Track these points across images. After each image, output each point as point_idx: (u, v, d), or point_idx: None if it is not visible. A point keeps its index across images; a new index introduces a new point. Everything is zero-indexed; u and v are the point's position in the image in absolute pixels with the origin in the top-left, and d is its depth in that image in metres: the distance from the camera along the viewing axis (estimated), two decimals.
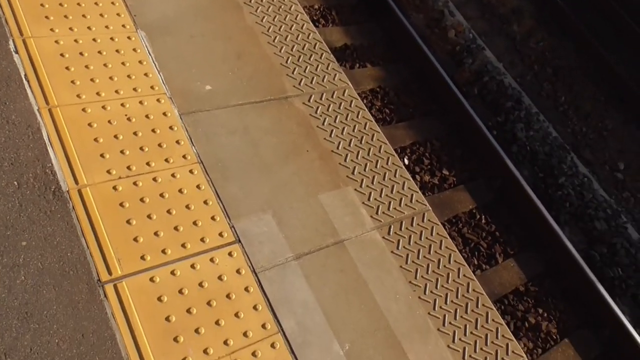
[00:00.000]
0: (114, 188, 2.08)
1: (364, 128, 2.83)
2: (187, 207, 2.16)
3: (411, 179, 2.80)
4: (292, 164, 2.51)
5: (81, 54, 2.35)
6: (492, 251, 3.78)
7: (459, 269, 2.58)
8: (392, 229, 2.55)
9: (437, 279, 2.50)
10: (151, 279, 1.95)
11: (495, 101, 4.68)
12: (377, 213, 2.56)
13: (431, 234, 2.64)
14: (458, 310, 2.44)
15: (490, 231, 3.88)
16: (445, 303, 2.44)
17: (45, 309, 1.78)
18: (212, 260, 2.08)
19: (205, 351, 1.88)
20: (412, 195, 2.72)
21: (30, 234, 1.87)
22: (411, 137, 4.11)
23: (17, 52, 2.22)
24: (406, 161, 4.03)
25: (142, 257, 1.98)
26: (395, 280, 2.40)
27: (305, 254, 2.27)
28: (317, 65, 2.93)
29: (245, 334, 1.97)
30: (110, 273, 1.91)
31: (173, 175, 2.21)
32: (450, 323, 2.38)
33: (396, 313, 2.30)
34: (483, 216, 3.92)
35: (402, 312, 2.31)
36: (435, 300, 2.42)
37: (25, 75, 2.19)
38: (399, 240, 2.53)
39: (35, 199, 1.94)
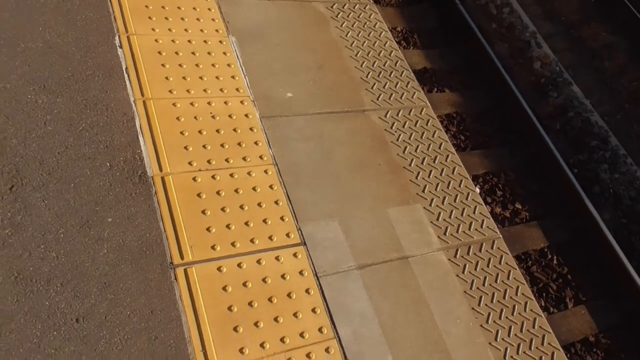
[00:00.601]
0: (194, 179, 2.19)
1: (439, 148, 2.81)
2: (259, 205, 2.23)
3: (483, 204, 2.73)
4: (363, 175, 2.53)
5: (176, 53, 2.53)
6: (562, 295, 3.57)
7: (526, 303, 2.47)
8: (459, 252, 2.49)
9: (502, 310, 2.40)
10: (219, 269, 2.02)
11: (578, 138, 4.48)
12: (444, 234, 2.52)
13: (499, 263, 2.55)
14: (521, 345, 2.33)
15: (561, 273, 3.68)
16: (508, 335, 2.33)
17: (122, 282, 1.89)
18: (277, 258, 2.13)
19: (262, 345, 1.91)
20: (483, 220, 2.66)
21: (115, 212, 2.01)
22: (485, 166, 4.01)
23: (121, 46, 2.43)
24: (477, 190, 3.94)
25: (213, 247, 2.06)
26: (458, 305, 2.33)
27: (367, 265, 2.27)
28: (397, 82, 2.96)
29: (301, 335, 1.99)
30: (182, 257, 2.00)
31: (249, 173, 2.30)
32: (511, 357, 2.28)
33: (455, 337, 2.23)
34: (555, 256, 3.73)
35: (461, 337, 2.24)
36: (497, 331, 2.33)
37: (126, 68, 2.38)
38: (465, 265, 2.46)
39: (123, 181, 2.09)
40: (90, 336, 1.77)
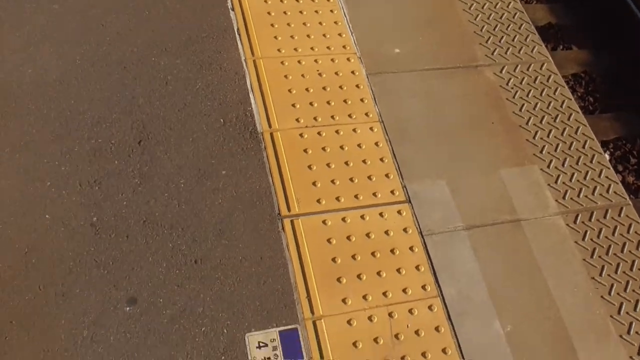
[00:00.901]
0: (301, 135, 2.25)
1: (561, 106, 2.59)
2: (364, 161, 2.24)
3: (611, 167, 2.48)
4: (474, 134, 2.42)
5: (285, 12, 2.58)
6: None
7: None
8: (579, 218, 2.30)
9: (628, 282, 2.19)
10: (323, 222, 2.07)
11: None
12: (563, 198, 2.34)
13: (627, 232, 2.32)
14: None
15: None
16: (635, 310, 2.13)
17: (234, 230, 2.02)
18: (381, 214, 2.13)
19: (364, 297, 1.94)
20: (609, 185, 2.42)
21: (229, 165, 2.14)
22: (616, 131, 3.62)
23: (232, 9, 2.54)
24: (607, 157, 3.58)
25: (318, 201, 2.12)
26: (575, 273, 2.17)
27: (476, 226, 2.19)
28: (515, 36, 2.76)
29: (404, 291, 1.99)
30: (289, 209, 2.08)
31: (354, 130, 2.31)
32: (637, 332, 2.08)
33: (571, 306, 2.08)
34: None
35: (578, 307, 2.09)
36: (621, 304, 2.14)
37: (237, 29, 2.48)
38: (586, 231, 2.27)
39: (236, 136, 2.21)
40: (207, 277, 1.93)
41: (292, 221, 2.06)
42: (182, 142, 2.16)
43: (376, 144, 2.30)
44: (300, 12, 2.61)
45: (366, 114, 2.36)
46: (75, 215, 1.96)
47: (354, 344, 1.84)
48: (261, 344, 1.83)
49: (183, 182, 2.09)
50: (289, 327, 1.88)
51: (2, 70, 2.17)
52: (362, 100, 2.40)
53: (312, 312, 1.89)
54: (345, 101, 2.38)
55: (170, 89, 2.27)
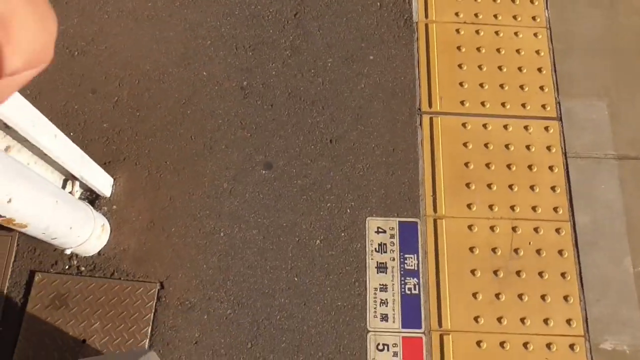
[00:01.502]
0: (457, 31, 2.13)
1: None
2: (519, 69, 2.09)
3: None
4: None
5: None
6: None
7: None
8: None
9: None
10: (463, 124, 2.01)
11: None
12: None
13: None
14: None
15: None
16: None
17: (372, 117, 2.04)
18: (526, 128, 2.02)
19: (490, 207, 1.91)
20: None
21: (377, 51, 2.11)
22: None
23: None
24: None
25: (462, 102, 2.04)
26: None
27: (630, 158, 2.00)
28: None
29: (534, 209, 1.92)
30: (430, 106, 2.04)
31: (516, 33, 2.13)
32: None
33: None
34: None
35: None
36: None
37: None
38: None
39: (390, 22, 2.14)
40: (339, 157, 1.99)
41: (431, 118, 2.03)
42: (336, 21, 2.14)
43: (537, 52, 2.11)
44: None
45: (533, 18, 2.15)
46: (229, 76, 2.08)
47: (471, 249, 1.85)
48: (380, 230, 1.91)
49: (330, 62, 2.10)
50: (410, 219, 1.92)
51: None
52: (531, 1, 2.18)
53: (435, 210, 1.91)
54: (513, 0, 2.18)
55: None
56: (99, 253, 1.83)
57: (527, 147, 2.00)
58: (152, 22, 2.13)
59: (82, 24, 2.11)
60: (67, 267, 1.81)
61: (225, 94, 2.06)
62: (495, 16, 2.15)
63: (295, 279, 1.84)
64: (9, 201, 1.27)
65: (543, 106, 2.05)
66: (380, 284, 1.82)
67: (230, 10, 2.15)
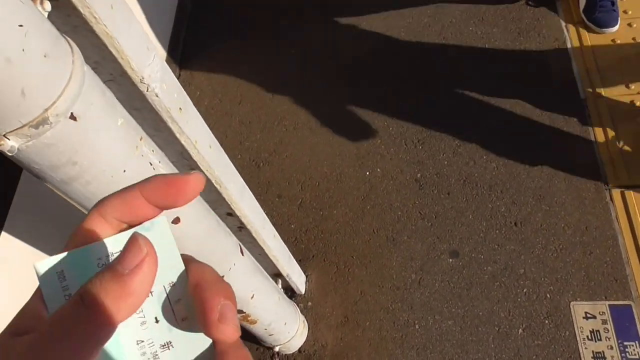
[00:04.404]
0: (631, 102, 2.08)
1: None
2: None
3: None
4: None
5: None
6: None
7: None
8: None
9: None
10: None
11: None
12: None
13: None
14: None
15: None
16: None
17: (555, 196, 1.98)
18: None
19: None
20: None
21: (549, 131, 2.11)
22: None
23: None
24: None
25: None
26: None
27: None
28: None
29: None
30: (617, 179, 1.95)
31: None
32: None
33: None
34: None
35: None
36: None
37: None
38: None
39: (557, 102, 2.15)
40: (528, 240, 1.93)
41: (622, 192, 1.93)
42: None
43: None
44: None
45: None
46: (402, 170, 2.16)
47: None
48: (588, 315, 1.77)
49: (502, 146, 2.12)
50: (622, 302, 1.77)
51: (344, 44, 2.51)
52: None
53: None
54: None
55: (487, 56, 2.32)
56: (299, 350, 1.87)
57: None
58: (324, 129, 2.32)
59: (264, 138, 2.35)
60: None
61: (400, 187, 2.13)
62: None
63: None
64: (252, 297, 1.37)
65: None
66: None
67: (397, 111, 2.29)
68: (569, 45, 2.26)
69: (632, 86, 2.11)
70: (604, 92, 2.12)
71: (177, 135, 1.11)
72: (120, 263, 0.30)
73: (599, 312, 1.76)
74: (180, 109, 1.09)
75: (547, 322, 1.79)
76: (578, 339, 1.73)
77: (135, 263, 0.30)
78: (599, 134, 2.05)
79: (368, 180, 2.17)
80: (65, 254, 0.32)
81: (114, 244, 0.32)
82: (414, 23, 2.47)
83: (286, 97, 2.42)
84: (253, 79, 2.50)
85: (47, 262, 0.31)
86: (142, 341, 0.32)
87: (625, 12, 2.28)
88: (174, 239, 0.33)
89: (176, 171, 0.97)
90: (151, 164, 0.95)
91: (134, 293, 0.30)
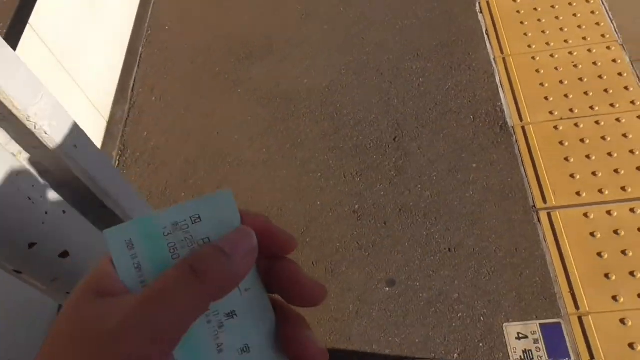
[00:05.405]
0: (555, 127, 2.17)
1: None
2: (631, 152, 2.05)
3: None
4: None
5: (535, 9, 2.54)
6: None
7: None
8: None
9: None
10: (585, 215, 1.95)
11: None
12: None
13: None
14: None
15: None
16: None
17: (486, 220, 2.04)
18: None
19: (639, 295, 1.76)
20: None
21: (479, 158, 2.18)
22: None
23: (481, 12, 2.59)
24: None
25: (578, 193, 2.00)
26: None
27: None
28: None
29: None
30: (544, 201, 2.01)
31: (618, 119, 2.13)
32: None
33: None
34: None
35: None
36: None
37: (486, 30, 2.53)
38: None
39: (486, 131, 2.24)
40: (461, 265, 1.97)
41: (549, 213, 1.99)
42: (434, 138, 2.28)
43: None
44: (552, 6, 2.54)
45: (632, 102, 2.16)
46: (341, 202, 2.21)
47: (631, 345, 1.67)
48: (521, 335, 1.79)
49: (435, 175, 2.19)
50: (551, 320, 1.80)
51: (287, 81, 2.60)
52: (626, 88, 2.20)
53: (577, 307, 1.78)
54: (605, 91, 2.22)
55: (422, 90, 2.42)
56: None
57: None
58: (267, 164, 2.38)
59: (208, 176, 2.40)
60: None
61: (339, 219, 2.18)
62: (592, 107, 2.19)
63: None
64: None
65: None
66: None
67: (335, 145, 2.36)
68: (497, 77, 2.37)
69: (556, 112, 2.20)
70: (530, 119, 2.22)
71: (74, 172, 1.16)
72: (235, 247, 0.33)
73: (531, 332, 1.78)
74: (75, 146, 1.15)
75: (481, 345, 1.81)
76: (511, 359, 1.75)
77: (247, 250, 0.34)
78: (525, 159, 2.12)
79: (308, 213, 2.21)
80: (132, 221, 0.33)
81: (178, 213, 0.34)
82: (354, 61, 2.58)
83: (231, 134, 2.49)
84: (200, 118, 2.57)
85: (115, 229, 0.33)
86: (208, 310, 0.32)
87: (547, 44, 2.41)
88: (237, 209, 0.35)
89: None
90: (30, 198, 1.00)
91: (238, 277, 0.33)
